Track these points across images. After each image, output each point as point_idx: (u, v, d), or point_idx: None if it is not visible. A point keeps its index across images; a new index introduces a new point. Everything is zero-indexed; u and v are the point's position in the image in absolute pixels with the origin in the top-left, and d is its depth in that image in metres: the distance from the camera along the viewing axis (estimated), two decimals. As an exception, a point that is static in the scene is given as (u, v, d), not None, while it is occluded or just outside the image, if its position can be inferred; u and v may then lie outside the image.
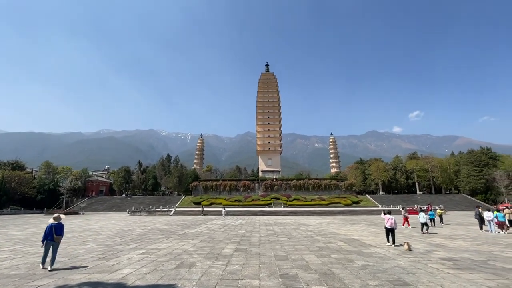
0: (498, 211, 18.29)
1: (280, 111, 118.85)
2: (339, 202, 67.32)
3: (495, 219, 17.55)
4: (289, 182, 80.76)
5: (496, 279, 6.97)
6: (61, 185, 63.51)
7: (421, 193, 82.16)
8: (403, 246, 11.61)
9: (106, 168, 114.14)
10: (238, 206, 64.82)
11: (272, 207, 63.02)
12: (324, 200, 69.00)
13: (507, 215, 20.04)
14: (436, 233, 17.52)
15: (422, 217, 17.82)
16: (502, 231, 17.31)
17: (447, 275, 7.37)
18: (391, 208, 57.41)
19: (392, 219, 12.66)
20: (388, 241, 13.01)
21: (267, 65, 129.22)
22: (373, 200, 71.25)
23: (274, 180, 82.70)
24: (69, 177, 75.31)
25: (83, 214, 53.80)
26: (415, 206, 55.80)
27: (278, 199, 69.74)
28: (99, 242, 14.49)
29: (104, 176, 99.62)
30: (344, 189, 77.92)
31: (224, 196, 74.78)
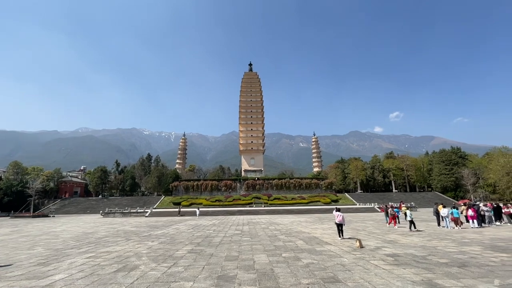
0: (455, 207, 19.24)
1: (263, 111, 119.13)
2: (319, 201, 68.56)
3: (450, 215, 18.45)
4: (270, 181, 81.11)
5: (425, 273, 7.25)
6: (29, 186, 60.06)
7: (396, 191, 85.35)
8: (355, 243, 11.92)
9: (82, 168, 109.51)
10: (219, 206, 64.40)
11: (252, 206, 63.08)
12: (304, 199, 69.97)
13: (463, 212, 21.18)
14: (419, 230, 18.05)
15: (409, 215, 17.62)
16: (457, 226, 18.23)
17: (381, 271, 7.58)
18: (367, 206, 59.30)
19: (340, 215, 14.15)
20: (339, 235, 14.39)
21: (250, 64, 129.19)
22: (351, 199, 73.20)
23: (256, 179, 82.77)
24: (39, 178, 71.42)
25: (53, 216, 51.31)
26: (389, 203, 57.83)
27: (259, 198, 69.93)
28: (50, 246, 13.76)
29: (79, 177, 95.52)
30: (324, 188, 79.34)
31: (205, 196, 73.93)
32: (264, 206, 62.55)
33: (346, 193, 79.92)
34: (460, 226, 18.25)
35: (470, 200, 60.79)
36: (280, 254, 10.40)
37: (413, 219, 18.05)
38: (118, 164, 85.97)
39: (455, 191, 74.49)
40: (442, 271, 7.49)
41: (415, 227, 17.69)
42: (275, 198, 70.20)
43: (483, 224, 19.61)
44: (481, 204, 21.25)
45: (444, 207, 19.16)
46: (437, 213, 19.84)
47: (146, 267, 8.62)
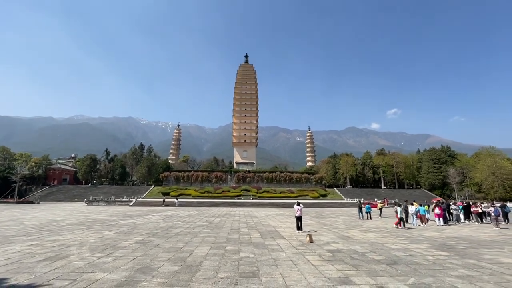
0: (421, 205, 19.35)
1: (258, 103, 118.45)
2: (307, 195, 69.01)
3: (417, 212, 18.55)
4: (261, 174, 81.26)
5: (348, 270, 7.18)
6: (15, 172, 59.50)
7: (385, 187, 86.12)
8: (306, 238, 11.89)
9: (73, 155, 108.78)
10: (208, 197, 64.53)
11: (241, 198, 63.29)
12: (293, 192, 70.36)
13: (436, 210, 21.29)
14: (412, 228, 17.26)
15: (399, 212, 17.07)
16: (422, 224, 18.38)
17: (307, 267, 7.50)
18: (353, 201, 59.78)
19: (299, 209, 14.58)
20: (298, 229, 14.64)
21: (246, 56, 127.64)
22: (340, 194, 73.72)
23: (247, 172, 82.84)
24: (27, 164, 70.81)
25: (38, 203, 51.03)
26: (375, 199, 58.39)
27: (249, 191, 70.15)
28: (3, 233, 13.58)
29: (70, 164, 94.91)
30: (314, 182, 79.77)
31: (195, 187, 73.94)
32: (252, 199, 62.79)
33: (335, 188, 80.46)
34: (425, 223, 18.40)
35: (455, 198, 61.57)
36: (224, 247, 10.32)
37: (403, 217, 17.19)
38: (108, 153, 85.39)
39: (442, 189, 75.34)
40: (368, 268, 7.44)
41: (404, 225, 17.08)
42: (264, 191, 70.52)
43: (449, 222, 19.79)
44: (451, 203, 21.40)
45: (411, 204, 19.24)
46: (405, 210, 19.90)
47: (77, 256, 8.49)
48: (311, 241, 11.51)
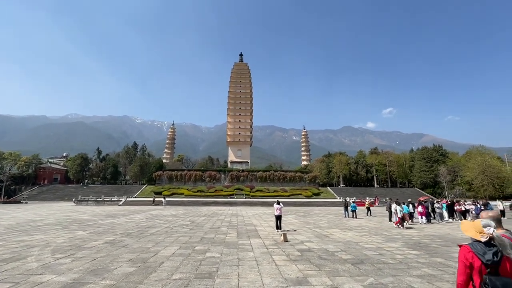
0: (404, 204, 19.30)
1: (252, 102, 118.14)
2: (300, 194, 68.99)
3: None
4: (255, 173, 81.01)
5: (309, 271, 7.00)
6: (2, 171, 58.44)
7: (378, 186, 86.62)
8: (280, 237, 11.71)
9: (64, 154, 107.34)
10: (200, 196, 64.15)
11: (233, 197, 63.06)
12: (286, 191, 70.27)
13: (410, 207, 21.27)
14: (411, 227, 17.36)
15: (399, 211, 16.62)
16: (405, 222, 18.32)
17: (268, 267, 7.30)
18: (345, 199, 59.83)
19: (279, 208, 14.54)
20: (277, 228, 14.49)
21: (241, 55, 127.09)
22: (333, 192, 73.92)
23: (241, 171, 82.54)
24: (16, 164, 69.64)
25: (26, 203, 50.18)
26: (367, 198, 58.60)
27: (242, 190, 69.91)
28: (-28, 233, 13.18)
29: (61, 164, 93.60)
30: (308, 181, 79.72)
31: (187, 186, 73.45)
32: (245, 198, 62.56)
33: (328, 187, 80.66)
34: (408, 222, 18.35)
35: (445, 197, 62.11)
36: (194, 247, 10.08)
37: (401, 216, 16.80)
38: (99, 152, 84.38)
39: (433, 187, 76.02)
40: (331, 268, 7.27)
41: (405, 223, 16.78)
42: (257, 190, 70.36)
43: (433, 221, 19.80)
44: (435, 201, 21.44)
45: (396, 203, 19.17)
46: (389, 209, 19.90)
47: (35, 258, 8.18)
48: (285, 240, 11.34)
